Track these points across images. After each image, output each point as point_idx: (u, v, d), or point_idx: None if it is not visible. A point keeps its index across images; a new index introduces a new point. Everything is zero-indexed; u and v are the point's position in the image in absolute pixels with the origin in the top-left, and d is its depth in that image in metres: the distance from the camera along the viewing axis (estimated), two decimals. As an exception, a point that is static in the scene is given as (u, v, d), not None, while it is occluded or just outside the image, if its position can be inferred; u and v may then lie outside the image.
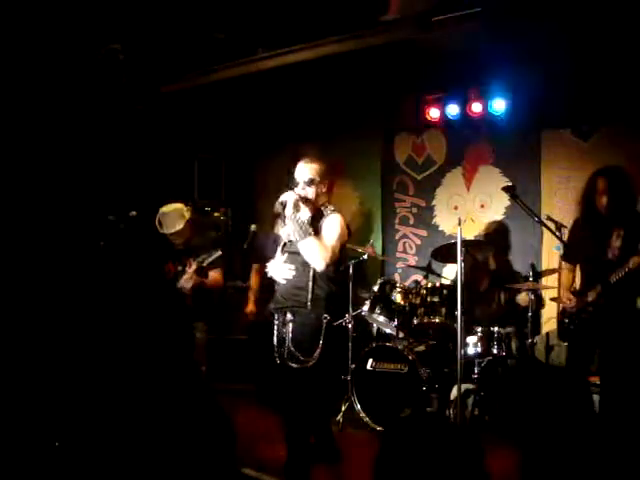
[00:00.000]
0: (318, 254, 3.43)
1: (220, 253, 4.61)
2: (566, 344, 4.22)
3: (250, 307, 5.52)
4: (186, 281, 4.64)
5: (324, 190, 3.68)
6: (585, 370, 3.97)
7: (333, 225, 3.58)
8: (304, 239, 3.43)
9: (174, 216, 4.77)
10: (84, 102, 5.40)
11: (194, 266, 4.60)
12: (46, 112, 5.20)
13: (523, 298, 4.92)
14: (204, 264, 4.60)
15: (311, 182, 3.60)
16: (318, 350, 3.44)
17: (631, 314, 3.89)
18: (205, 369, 4.85)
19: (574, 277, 4.25)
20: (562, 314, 4.15)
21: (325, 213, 3.63)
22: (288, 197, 3.50)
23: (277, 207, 3.51)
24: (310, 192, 3.61)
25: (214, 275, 4.80)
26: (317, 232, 3.54)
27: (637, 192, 3.98)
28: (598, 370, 3.99)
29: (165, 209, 4.82)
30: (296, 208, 3.48)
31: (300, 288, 3.53)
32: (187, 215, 4.78)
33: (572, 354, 4.10)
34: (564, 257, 4.30)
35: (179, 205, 4.86)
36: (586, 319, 3.96)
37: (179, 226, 4.74)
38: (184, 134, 6.24)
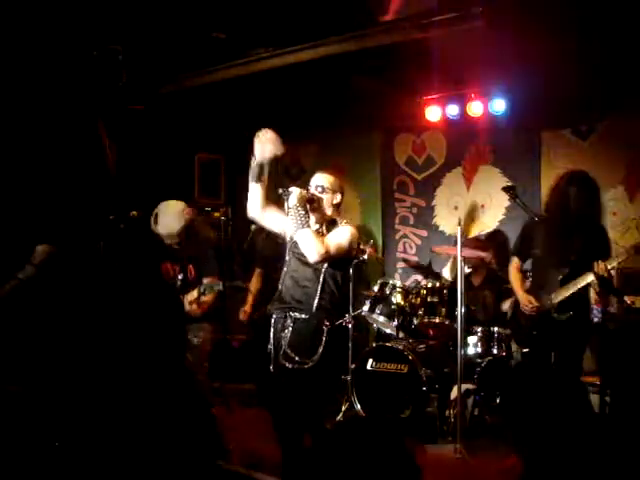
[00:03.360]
0: (314, 246, 3.42)
1: (220, 288, 4.49)
2: (525, 350, 4.26)
3: (247, 308, 5.49)
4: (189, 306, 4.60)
5: (334, 202, 3.68)
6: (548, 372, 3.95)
7: (341, 232, 3.58)
8: (302, 229, 3.44)
9: (172, 217, 4.64)
10: (84, 102, 5.40)
11: (194, 294, 4.50)
12: (46, 112, 5.20)
13: (505, 307, 4.93)
14: (204, 294, 4.52)
15: (323, 189, 3.64)
16: (318, 355, 3.43)
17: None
18: (207, 367, 4.81)
19: (522, 276, 4.26)
20: (517, 318, 4.17)
21: (339, 223, 3.65)
22: (295, 189, 3.51)
23: (280, 192, 3.51)
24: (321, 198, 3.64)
25: (206, 300, 4.72)
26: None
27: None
28: (599, 370, 3.99)
29: (164, 208, 4.70)
30: (300, 202, 3.48)
31: (307, 289, 3.51)
32: (185, 219, 4.63)
33: (531, 359, 4.12)
34: (516, 253, 4.31)
35: (180, 206, 4.72)
36: (552, 322, 3.96)
37: (174, 230, 4.59)
38: (184, 134, 6.24)
